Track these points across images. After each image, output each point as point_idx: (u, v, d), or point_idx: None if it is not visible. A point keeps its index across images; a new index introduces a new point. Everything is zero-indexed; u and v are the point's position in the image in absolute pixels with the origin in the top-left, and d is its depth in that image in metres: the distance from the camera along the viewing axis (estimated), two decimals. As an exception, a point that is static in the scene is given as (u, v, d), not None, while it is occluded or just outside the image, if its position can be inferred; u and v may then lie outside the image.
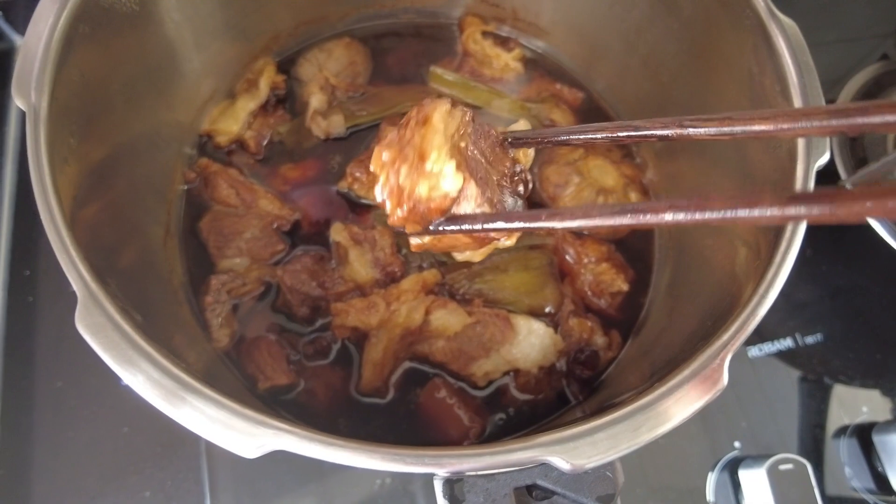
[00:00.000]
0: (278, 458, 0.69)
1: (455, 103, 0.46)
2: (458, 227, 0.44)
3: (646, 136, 0.39)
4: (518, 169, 0.49)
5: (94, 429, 0.70)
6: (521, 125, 0.48)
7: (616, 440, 0.36)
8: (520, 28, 0.82)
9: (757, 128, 0.34)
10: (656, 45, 0.69)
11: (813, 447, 0.75)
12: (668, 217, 0.33)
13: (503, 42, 0.82)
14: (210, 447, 0.69)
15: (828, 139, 0.46)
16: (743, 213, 0.30)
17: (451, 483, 0.36)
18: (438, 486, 0.36)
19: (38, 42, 0.47)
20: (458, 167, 0.42)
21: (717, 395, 0.38)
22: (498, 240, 0.48)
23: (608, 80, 0.79)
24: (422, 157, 0.43)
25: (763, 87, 0.52)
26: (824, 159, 0.47)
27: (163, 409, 0.38)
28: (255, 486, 0.68)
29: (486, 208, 0.44)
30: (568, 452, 0.36)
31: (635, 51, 0.72)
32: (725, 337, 0.40)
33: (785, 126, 0.33)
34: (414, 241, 0.47)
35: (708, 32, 0.60)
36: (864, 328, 0.82)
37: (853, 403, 0.78)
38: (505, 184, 0.48)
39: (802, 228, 0.46)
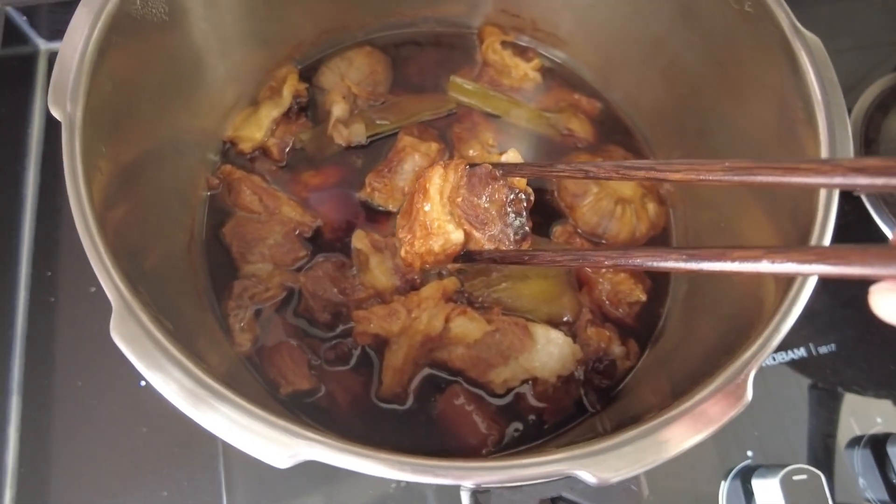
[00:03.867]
0: (295, 461, 0.70)
1: (448, 164, 0.58)
2: (471, 260, 0.59)
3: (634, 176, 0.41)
4: (516, 192, 0.59)
5: (112, 428, 0.71)
6: (511, 156, 0.64)
7: (642, 454, 0.37)
8: (539, 38, 0.82)
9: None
10: (675, 57, 0.69)
11: (826, 457, 0.74)
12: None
13: (522, 52, 0.82)
14: (227, 449, 0.70)
15: (850, 142, 0.47)
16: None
17: (478, 494, 0.37)
18: (465, 497, 0.37)
19: (73, 53, 0.48)
20: (458, 224, 0.57)
21: (741, 410, 0.39)
22: None
23: (626, 90, 0.79)
24: (428, 230, 0.57)
25: (785, 102, 0.53)
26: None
27: (194, 417, 0.38)
28: (271, 487, 0.69)
29: (489, 245, 0.58)
30: (595, 466, 0.36)
31: (654, 62, 0.72)
32: (749, 353, 0.41)
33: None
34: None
35: (729, 47, 0.61)
36: (878, 338, 0.82)
37: (866, 414, 0.78)
38: (506, 211, 0.59)
39: (827, 243, 0.46)
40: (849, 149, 0.47)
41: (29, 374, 0.72)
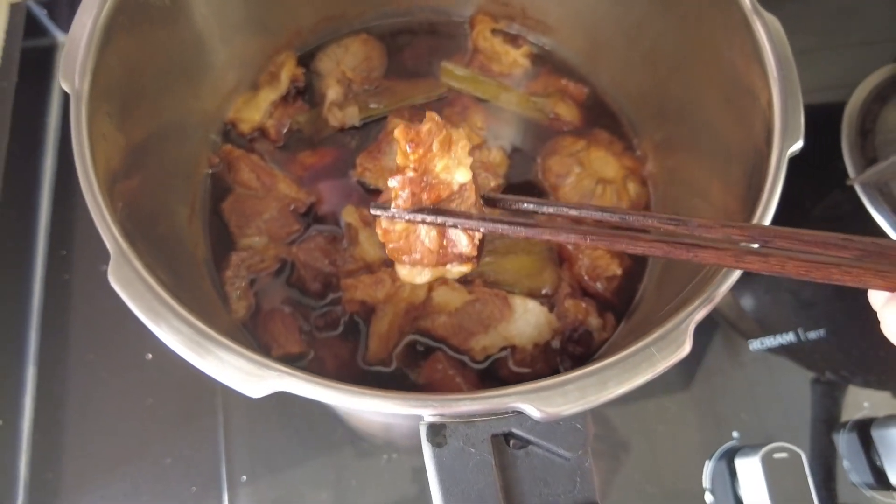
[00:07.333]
0: (292, 431, 0.73)
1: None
2: (441, 220, 0.49)
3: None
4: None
5: (121, 399, 0.75)
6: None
7: (584, 392, 0.40)
8: (528, 26, 0.85)
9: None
10: (656, 40, 0.72)
11: (812, 440, 0.76)
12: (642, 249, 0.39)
13: (512, 39, 0.85)
14: (228, 419, 0.73)
15: (802, 125, 0.49)
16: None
17: (435, 428, 0.40)
18: (423, 431, 0.40)
19: (82, 31, 0.52)
20: (471, 167, 0.49)
21: (680, 358, 0.41)
22: (450, 266, 0.53)
23: (612, 75, 0.82)
24: (451, 145, 0.49)
25: (746, 80, 0.55)
26: (797, 146, 0.49)
27: (183, 354, 0.42)
28: (269, 455, 0.72)
29: (473, 212, 0.50)
30: (540, 401, 0.39)
31: (636, 46, 0.75)
32: (691, 307, 0.44)
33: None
34: (383, 225, 0.51)
35: (700, 29, 0.63)
36: (868, 325, 0.82)
37: (854, 399, 0.79)
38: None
39: (770, 214, 0.48)
40: (799, 120, 0.50)
41: (44, 347, 0.77)
